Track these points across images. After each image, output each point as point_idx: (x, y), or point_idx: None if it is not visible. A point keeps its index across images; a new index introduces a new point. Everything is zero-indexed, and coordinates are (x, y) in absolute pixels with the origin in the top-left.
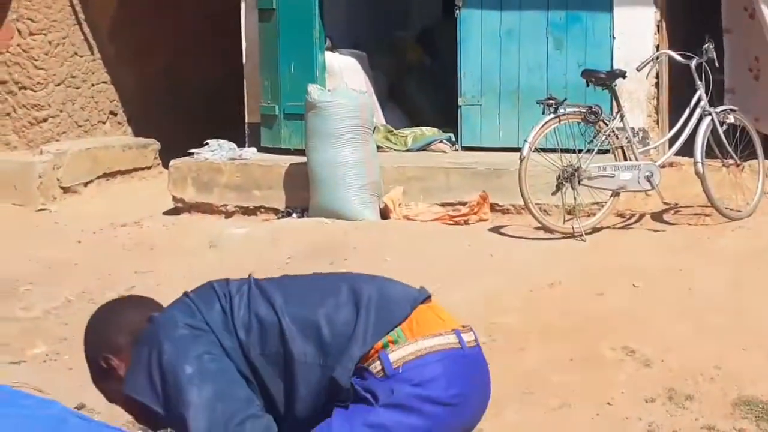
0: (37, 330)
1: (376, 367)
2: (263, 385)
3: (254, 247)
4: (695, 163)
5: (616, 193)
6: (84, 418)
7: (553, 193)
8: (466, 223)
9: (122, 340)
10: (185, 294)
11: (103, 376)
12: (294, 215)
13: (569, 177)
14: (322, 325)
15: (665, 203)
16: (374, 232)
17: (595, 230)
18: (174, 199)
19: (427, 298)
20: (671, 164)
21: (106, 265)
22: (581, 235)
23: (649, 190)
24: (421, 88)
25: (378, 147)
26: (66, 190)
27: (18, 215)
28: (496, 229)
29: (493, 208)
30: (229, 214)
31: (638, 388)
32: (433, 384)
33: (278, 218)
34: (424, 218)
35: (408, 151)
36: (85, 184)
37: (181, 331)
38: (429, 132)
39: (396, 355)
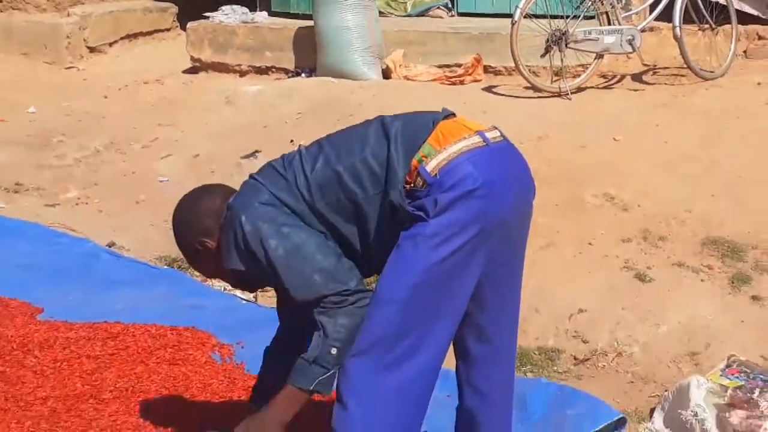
0: (69, 176)
1: (418, 182)
2: (338, 233)
3: (267, 104)
4: (673, 27)
5: (599, 56)
6: (114, 254)
7: (542, 56)
8: (461, 83)
9: (209, 224)
10: (251, 176)
11: (198, 257)
12: (303, 75)
13: (557, 40)
14: (369, 163)
15: (645, 65)
16: (377, 91)
17: (580, 89)
18: (192, 59)
19: (451, 114)
20: (651, 29)
21: (131, 119)
22: (567, 94)
23: (630, 52)
24: None
25: (380, 12)
26: (92, 50)
27: (49, 72)
28: (489, 89)
29: (487, 69)
30: (243, 73)
31: (616, 230)
32: (466, 181)
33: (288, 78)
34: (423, 78)
35: (408, 16)
36: (110, 45)
37: (258, 210)
38: None
39: (430, 166)
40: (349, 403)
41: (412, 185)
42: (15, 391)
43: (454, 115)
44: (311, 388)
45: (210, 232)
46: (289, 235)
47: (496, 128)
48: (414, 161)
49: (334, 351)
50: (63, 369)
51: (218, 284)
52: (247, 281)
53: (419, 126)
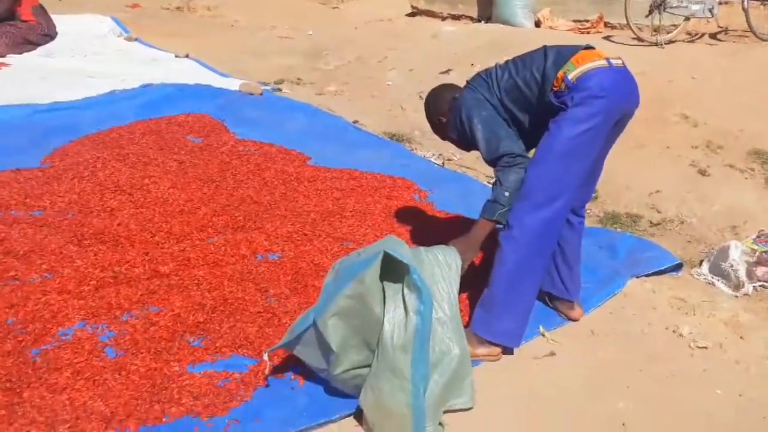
0: (331, 77)
1: (562, 86)
2: (514, 117)
3: (458, 39)
4: (742, 1)
5: (687, 18)
6: (357, 128)
7: (646, 16)
8: (588, 33)
9: (445, 107)
10: (467, 82)
11: (438, 128)
12: (482, 22)
13: (658, 6)
14: (534, 75)
15: (719, 27)
16: (530, 35)
17: (671, 42)
18: (412, 7)
19: (590, 47)
20: (726, 2)
21: (371, 43)
22: (662, 45)
23: (709, 17)
24: None
25: None
26: None
27: (321, 9)
28: (607, 38)
29: (606, 24)
30: (444, 18)
31: (688, 139)
32: (594, 87)
33: (473, 23)
34: (562, 29)
35: None
36: None
37: (471, 101)
38: None
39: (571, 75)
40: (513, 228)
41: (558, 88)
42: (292, 206)
43: (593, 48)
44: (494, 218)
45: (444, 112)
46: (486, 118)
47: (619, 58)
48: (560, 72)
49: (507, 194)
50: (321, 195)
51: (421, 152)
52: (462, 144)
53: (567, 52)
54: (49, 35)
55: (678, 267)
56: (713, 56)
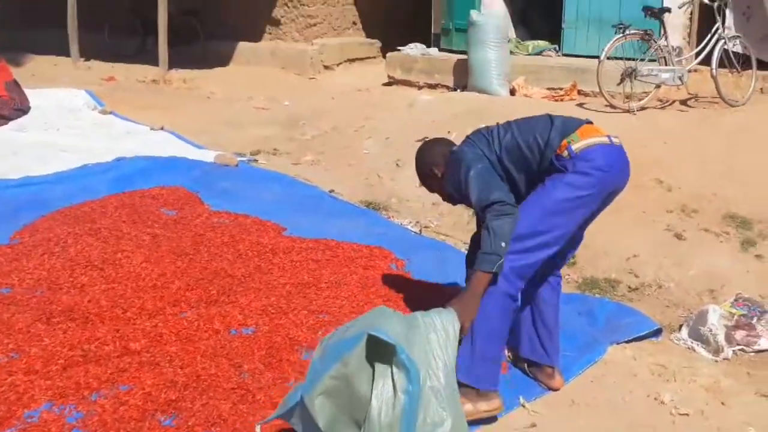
0: (307, 147)
1: (565, 153)
2: (509, 175)
3: (435, 108)
4: (711, 69)
5: (658, 86)
6: (333, 197)
7: (618, 84)
8: (562, 100)
9: (438, 159)
10: (468, 137)
11: (428, 178)
12: (458, 90)
13: (629, 75)
14: (537, 140)
15: (689, 94)
16: (505, 103)
17: (642, 108)
18: (388, 76)
19: (590, 122)
20: (696, 70)
21: (348, 112)
22: (634, 111)
23: (680, 85)
24: (539, 15)
25: (510, 52)
26: (326, 67)
27: (297, 81)
28: (580, 105)
29: (579, 92)
30: (420, 87)
31: (663, 204)
32: (596, 160)
33: (449, 91)
34: (536, 97)
35: (528, 55)
36: (337, 65)
37: (470, 154)
38: (542, 43)
39: (575, 146)
40: (498, 279)
41: (560, 154)
42: (267, 278)
43: (592, 123)
44: (493, 270)
45: (438, 164)
46: (481, 170)
47: (616, 137)
48: (564, 141)
49: (503, 244)
50: (296, 266)
51: (397, 220)
52: (453, 198)
53: (572, 123)
54: (22, 110)
55: (658, 332)
56: (684, 122)
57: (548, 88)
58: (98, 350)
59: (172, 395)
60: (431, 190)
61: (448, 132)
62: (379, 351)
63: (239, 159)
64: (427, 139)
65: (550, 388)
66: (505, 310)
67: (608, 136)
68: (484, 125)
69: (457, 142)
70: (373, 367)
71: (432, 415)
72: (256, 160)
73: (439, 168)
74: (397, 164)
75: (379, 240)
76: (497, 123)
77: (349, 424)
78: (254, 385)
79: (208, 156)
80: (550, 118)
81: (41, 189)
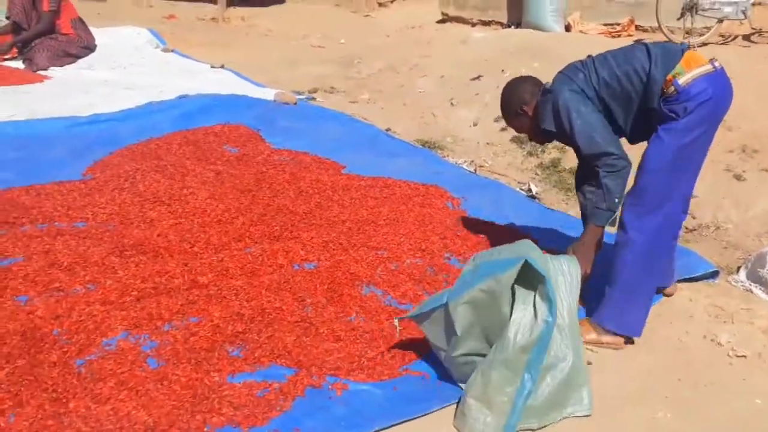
0: (363, 85)
1: (671, 90)
2: (610, 112)
3: (489, 45)
4: None
5: (720, 21)
6: (389, 135)
7: (678, 19)
8: (619, 36)
9: (528, 98)
10: (560, 72)
11: (516, 117)
12: (512, 27)
13: (690, 9)
14: (638, 71)
15: (753, 28)
16: (560, 39)
17: (703, 44)
18: (442, 13)
19: (688, 48)
20: (760, 3)
21: (402, 50)
22: (694, 48)
23: (743, 19)
24: None
25: None
26: (380, 4)
27: (353, 18)
28: (638, 41)
29: (638, 28)
30: (473, 24)
31: (723, 143)
32: (704, 93)
33: (503, 28)
34: (592, 33)
35: None
36: (391, 2)
37: (565, 93)
38: None
39: (681, 80)
40: (629, 231)
41: (667, 93)
42: (327, 215)
43: (690, 48)
44: (605, 224)
45: (528, 102)
46: (585, 113)
47: (716, 60)
48: (669, 76)
49: (616, 200)
50: (355, 203)
51: (452, 159)
52: (545, 136)
53: (671, 54)
54: (89, 48)
55: (714, 274)
56: (747, 59)
57: (605, 24)
58: (168, 283)
59: (239, 327)
60: (518, 129)
61: (502, 70)
62: (527, 278)
63: (298, 97)
64: (513, 78)
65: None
66: (644, 260)
67: (711, 62)
68: (537, 63)
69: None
70: (514, 290)
71: (556, 350)
72: (314, 98)
73: (530, 106)
74: (451, 103)
75: (434, 178)
76: (589, 56)
77: (480, 337)
78: (317, 318)
79: (268, 94)
80: (647, 48)
81: (109, 126)
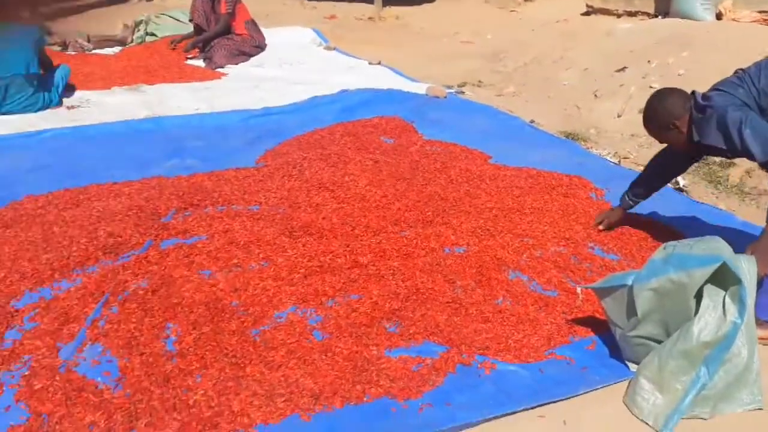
0: (509, 78)
1: None
2: None
3: (634, 36)
4: None
5: None
6: (534, 127)
7: None
8: None
9: (681, 112)
10: (716, 89)
11: (666, 132)
12: (659, 17)
13: None
14: None
15: None
16: (710, 28)
17: None
18: (586, 6)
19: None
20: None
21: (547, 43)
22: None
23: None
24: None
25: None
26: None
27: (499, 14)
28: None
29: None
30: (619, 15)
31: None
32: None
33: (649, 18)
34: (745, 20)
35: None
36: None
37: (732, 107)
38: None
39: None
40: None
41: None
42: (475, 203)
43: None
44: None
45: (681, 116)
46: (754, 125)
47: None
48: None
49: None
50: (501, 192)
51: (596, 150)
52: (700, 150)
53: None
54: (260, 47)
55: None
56: None
57: (759, 11)
58: (332, 262)
59: (395, 305)
60: (664, 142)
61: (648, 61)
62: (717, 276)
63: (448, 91)
64: (658, 90)
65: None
66: None
67: None
68: (686, 53)
69: (659, 72)
70: (702, 286)
71: (734, 346)
72: (462, 92)
73: (682, 121)
74: (595, 95)
75: (578, 169)
76: (739, 69)
77: (659, 323)
78: (467, 299)
79: (421, 88)
80: None
81: (279, 118)
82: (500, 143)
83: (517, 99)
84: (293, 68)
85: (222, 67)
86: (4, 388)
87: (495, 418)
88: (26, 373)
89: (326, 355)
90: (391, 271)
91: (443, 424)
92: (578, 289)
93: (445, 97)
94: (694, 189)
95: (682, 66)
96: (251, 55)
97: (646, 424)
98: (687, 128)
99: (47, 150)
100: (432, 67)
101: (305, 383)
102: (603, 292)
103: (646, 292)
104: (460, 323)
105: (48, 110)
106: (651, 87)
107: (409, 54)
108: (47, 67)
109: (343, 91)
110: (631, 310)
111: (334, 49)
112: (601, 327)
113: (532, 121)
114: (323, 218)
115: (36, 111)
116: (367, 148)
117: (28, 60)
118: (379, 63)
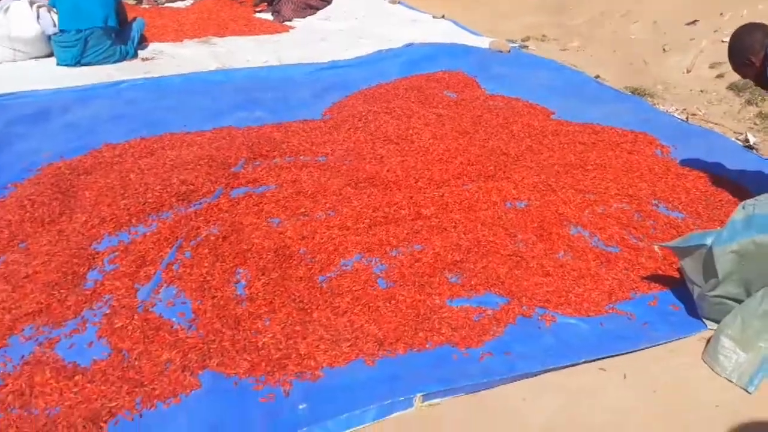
0: (575, 32)
1: None
2: None
3: None
4: None
5: None
6: (598, 82)
7: None
8: None
9: (757, 47)
10: None
11: (743, 67)
12: None
13: None
14: None
15: None
16: None
17: None
18: None
19: None
20: None
21: None
22: None
23: None
24: None
25: None
26: None
27: None
28: None
29: None
30: None
31: None
32: None
33: None
34: None
35: None
36: None
37: None
38: None
39: None
40: None
41: None
42: (537, 158)
43: None
44: None
45: (756, 52)
46: None
47: None
48: None
49: None
50: (564, 148)
51: (663, 107)
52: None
53: None
54: (327, 0)
55: None
56: None
57: None
58: (396, 213)
59: (457, 257)
60: (743, 75)
61: (721, 14)
62: None
63: (511, 45)
64: (745, 24)
65: None
66: None
67: None
68: (762, 5)
69: (732, 25)
70: None
71: None
72: (526, 47)
73: (757, 56)
74: (664, 49)
75: (644, 126)
76: None
77: (739, 283)
78: (528, 253)
79: (484, 42)
80: None
81: (345, 71)
82: (563, 98)
83: (582, 54)
84: (359, 22)
85: (290, 21)
86: (87, 326)
87: (555, 369)
88: (107, 312)
89: (390, 303)
90: (453, 224)
91: (503, 373)
92: (656, 247)
93: (509, 52)
94: (766, 147)
95: (756, 19)
96: (318, 9)
97: (730, 381)
98: (761, 65)
99: (124, 100)
100: (496, 22)
101: (369, 329)
102: (681, 252)
103: (728, 255)
104: (521, 276)
105: (124, 62)
106: (722, 41)
107: (474, 8)
108: (123, 20)
109: (408, 45)
110: (710, 270)
111: (399, 3)
112: (663, 283)
113: (597, 76)
114: (387, 170)
115: (113, 62)
116: (431, 102)
117: (107, 13)
118: (443, 17)
